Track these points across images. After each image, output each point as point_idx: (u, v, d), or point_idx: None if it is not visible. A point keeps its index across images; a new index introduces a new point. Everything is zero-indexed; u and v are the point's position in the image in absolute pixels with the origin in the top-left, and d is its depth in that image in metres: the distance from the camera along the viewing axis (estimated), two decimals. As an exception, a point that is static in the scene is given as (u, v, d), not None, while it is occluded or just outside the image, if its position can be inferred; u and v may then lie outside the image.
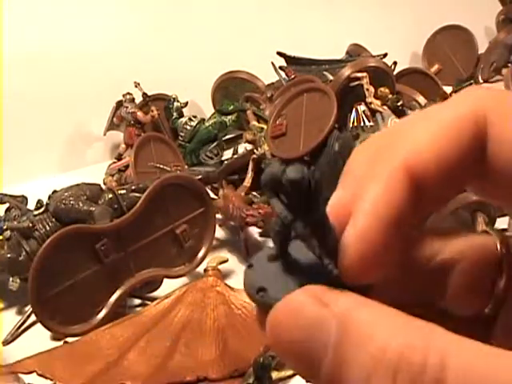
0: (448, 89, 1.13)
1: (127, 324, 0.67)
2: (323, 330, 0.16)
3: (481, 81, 1.44)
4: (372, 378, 0.14)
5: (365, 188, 0.19)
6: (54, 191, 0.82)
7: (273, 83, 1.30)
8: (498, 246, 0.21)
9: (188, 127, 1.20)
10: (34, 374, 0.60)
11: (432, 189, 0.19)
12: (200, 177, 0.89)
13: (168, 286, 0.75)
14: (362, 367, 0.15)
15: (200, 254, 0.78)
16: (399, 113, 0.84)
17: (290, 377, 0.59)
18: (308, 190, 0.18)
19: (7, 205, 0.83)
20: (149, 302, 0.73)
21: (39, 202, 0.81)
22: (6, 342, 0.71)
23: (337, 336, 0.15)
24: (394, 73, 1.24)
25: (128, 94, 1.19)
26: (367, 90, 0.87)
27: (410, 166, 0.19)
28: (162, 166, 1.02)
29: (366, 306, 0.16)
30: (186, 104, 1.25)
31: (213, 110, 1.29)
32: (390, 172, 0.19)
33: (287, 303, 0.17)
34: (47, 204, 0.79)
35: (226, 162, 1.07)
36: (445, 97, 1.04)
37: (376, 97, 0.87)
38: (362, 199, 0.19)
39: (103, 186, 0.88)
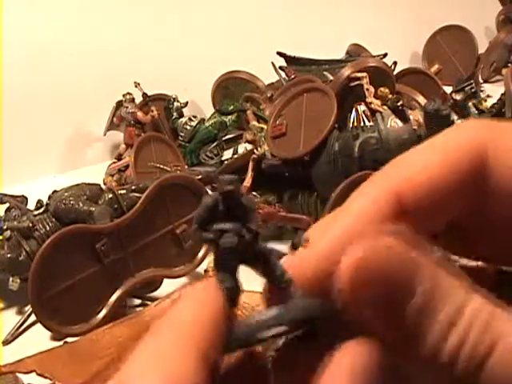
0: (448, 89, 1.13)
1: (127, 324, 0.67)
2: (416, 273, 0.16)
3: (481, 81, 1.44)
4: (456, 323, 0.16)
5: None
6: (54, 191, 0.82)
7: (273, 83, 1.30)
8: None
9: (188, 127, 1.20)
10: (34, 373, 0.60)
11: (422, 214, 0.19)
12: (200, 177, 0.89)
13: (168, 285, 0.75)
14: (447, 316, 0.16)
15: (200, 254, 0.78)
16: (399, 113, 0.84)
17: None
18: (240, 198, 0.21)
19: (7, 205, 0.83)
20: (149, 302, 0.73)
21: (39, 201, 0.81)
22: (6, 342, 0.71)
23: (429, 283, 0.16)
24: (394, 73, 1.24)
25: (128, 93, 1.19)
26: (367, 89, 0.87)
27: (401, 190, 0.19)
28: (161, 166, 1.02)
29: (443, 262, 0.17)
30: (186, 104, 1.25)
31: (213, 110, 1.29)
32: (378, 192, 0.19)
33: (377, 243, 0.17)
34: (47, 204, 0.79)
35: (226, 161, 1.07)
36: (445, 97, 1.04)
37: (376, 97, 0.87)
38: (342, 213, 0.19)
39: (103, 186, 0.88)
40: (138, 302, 0.76)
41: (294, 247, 0.22)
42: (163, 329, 0.18)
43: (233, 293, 0.21)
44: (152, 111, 1.20)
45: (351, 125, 0.86)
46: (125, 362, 0.17)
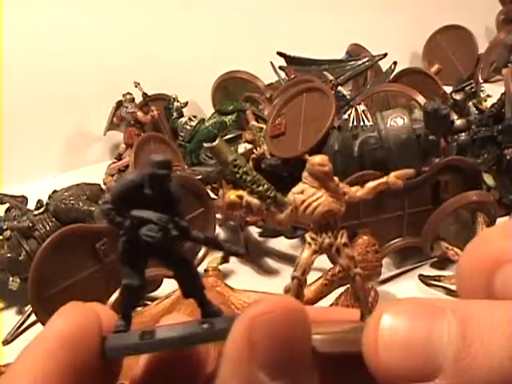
0: (448, 89, 1.13)
1: (127, 324, 0.67)
2: (440, 322, 0.16)
3: (481, 81, 1.43)
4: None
5: None
6: (54, 191, 0.82)
7: (272, 83, 1.30)
8: None
9: (188, 127, 1.20)
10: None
11: None
12: (200, 177, 0.89)
13: (168, 285, 0.75)
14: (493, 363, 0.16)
15: (200, 254, 0.78)
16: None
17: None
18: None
19: (7, 205, 0.83)
20: (149, 302, 0.73)
21: (39, 202, 0.81)
22: (6, 342, 0.71)
23: (459, 323, 0.16)
24: (394, 73, 1.24)
25: (128, 93, 1.19)
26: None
27: None
28: (161, 166, 1.02)
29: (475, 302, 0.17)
30: (186, 104, 1.25)
31: (213, 110, 1.29)
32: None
33: (397, 307, 0.17)
34: (47, 204, 0.79)
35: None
36: (445, 97, 1.04)
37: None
38: None
39: (103, 186, 0.88)
40: (137, 301, 0.76)
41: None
42: (30, 346, 0.20)
43: (137, 291, 0.19)
44: (152, 111, 1.20)
45: (351, 124, 0.86)
46: None
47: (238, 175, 0.34)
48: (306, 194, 0.23)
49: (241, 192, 0.23)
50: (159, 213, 0.18)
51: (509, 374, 0.16)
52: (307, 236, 0.23)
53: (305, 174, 0.23)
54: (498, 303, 0.17)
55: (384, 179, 0.23)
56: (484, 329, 0.16)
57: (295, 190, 0.23)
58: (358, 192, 0.24)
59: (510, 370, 0.16)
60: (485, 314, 0.16)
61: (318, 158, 0.23)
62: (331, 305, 0.63)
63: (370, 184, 0.24)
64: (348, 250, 0.23)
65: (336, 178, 0.24)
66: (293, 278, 0.23)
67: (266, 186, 0.32)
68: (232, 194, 0.23)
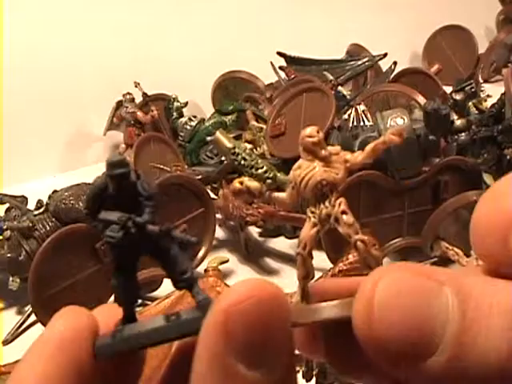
0: (448, 89, 1.13)
1: (127, 324, 0.67)
2: (439, 297, 0.16)
3: (481, 81, 1.43)
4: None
5: None
6: (54, 191, 0.82)
7: (272, 83, 1.30)
8: None
9: (188, 127, 1.20)
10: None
11: None
12: (200, 177, 0.89)
13: (168, 286, 0.75)
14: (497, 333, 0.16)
15: (200, 254, 0.78)
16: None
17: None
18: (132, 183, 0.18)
19: (7, 205, 0.83)
20: (149, 302, 0.73)
21: (39, 202, 0.81)
22: (6, 342, 0.71)
23: (459, 302, 0.16)
24: (394, 73, 1.24)
25: (128, 93, 1.19)
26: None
27: None
28: (161, 166, 1.02)
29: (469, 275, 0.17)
30: (186, 104, 1.25)
31: (213, 110, 1.29)
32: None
33: (387, 282, 0.17)
34: (47, 204, 0.79)
35: (225, 161, 1.07)
36: (445, 97, 1.04)
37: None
38: None
39: (103, 186, 0.88)
40: (138, 301, 0.76)
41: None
42: (32, 349, 0.20)
43: (123, 290, 0.19)
44: (152, 111, 1.20)
45: (351, 124, 0.86)
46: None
47: (236, 162, 0.34)
48: (302, 169, 0.23)
49: (242, 178, 0.23)
50: (124, 212, 0.18)
51: (506, 358, 0.15)
52: (308, 211, 0.23)
53: (300, 148, 0.23)
54: (498, 282, 0.17)
55: (381, 139, 0.23)
56: (483, 310, 0.16)
57: (294, 167, 0.23)
58: (358, 157, 0.23)
59: (506, 353, 0.15)
60: (484, 292, 0.16)
61: (307, 130, 0.23)
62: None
63: (369, 146, 0.23)
64: (347, 217, 0.22)
65: (337, 147, 0.23)
66: (296, 254, 0.23)
67: (264, 168, 0.32)
68: (236, 182, 0.23)
